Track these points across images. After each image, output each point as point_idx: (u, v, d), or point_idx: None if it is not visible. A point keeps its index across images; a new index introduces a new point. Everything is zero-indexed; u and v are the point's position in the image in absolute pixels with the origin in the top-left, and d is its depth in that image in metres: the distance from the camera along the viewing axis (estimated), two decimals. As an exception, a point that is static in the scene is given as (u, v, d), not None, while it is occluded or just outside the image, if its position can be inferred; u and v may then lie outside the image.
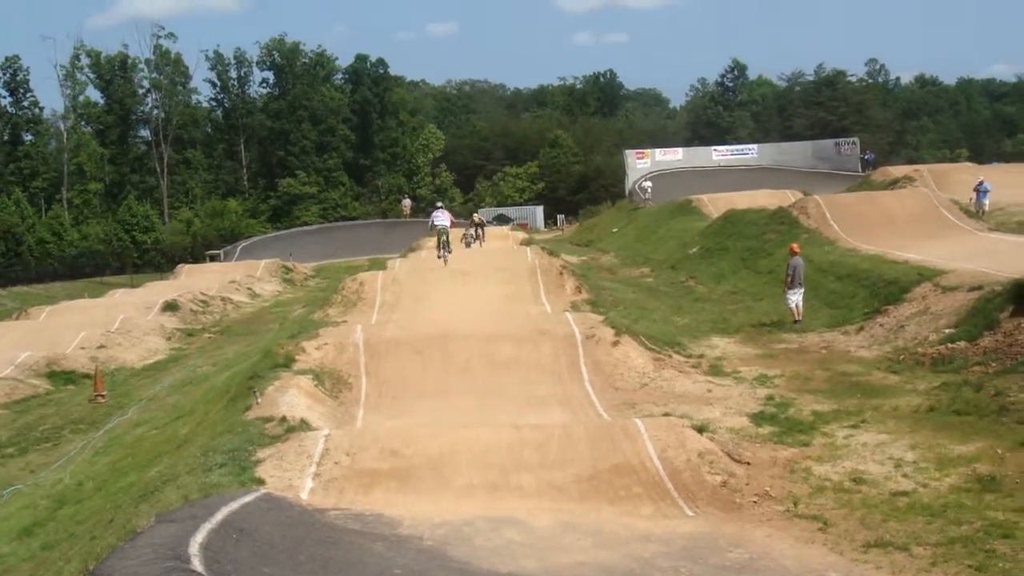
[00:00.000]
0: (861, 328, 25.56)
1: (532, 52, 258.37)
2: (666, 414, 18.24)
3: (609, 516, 13.80)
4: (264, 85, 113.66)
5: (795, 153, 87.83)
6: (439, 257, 37.87)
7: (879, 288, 27.90)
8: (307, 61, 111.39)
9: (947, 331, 22.67)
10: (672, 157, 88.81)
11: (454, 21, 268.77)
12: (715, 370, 22.66)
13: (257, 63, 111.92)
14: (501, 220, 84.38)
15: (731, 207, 48.11)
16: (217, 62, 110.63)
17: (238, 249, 79.81)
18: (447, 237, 38.05)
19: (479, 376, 22.39)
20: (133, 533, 11.93)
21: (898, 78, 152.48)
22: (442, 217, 38.82)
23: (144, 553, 10.62)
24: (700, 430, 16.29)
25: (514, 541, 12.83)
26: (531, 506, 14.13)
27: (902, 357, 22.25)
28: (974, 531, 12.35)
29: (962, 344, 21.39)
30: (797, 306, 27.51)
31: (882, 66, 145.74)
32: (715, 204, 54.63)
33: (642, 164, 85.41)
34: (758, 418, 18.18)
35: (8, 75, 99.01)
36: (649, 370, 22.14)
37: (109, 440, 25.62)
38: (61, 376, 35.32)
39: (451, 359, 23.31)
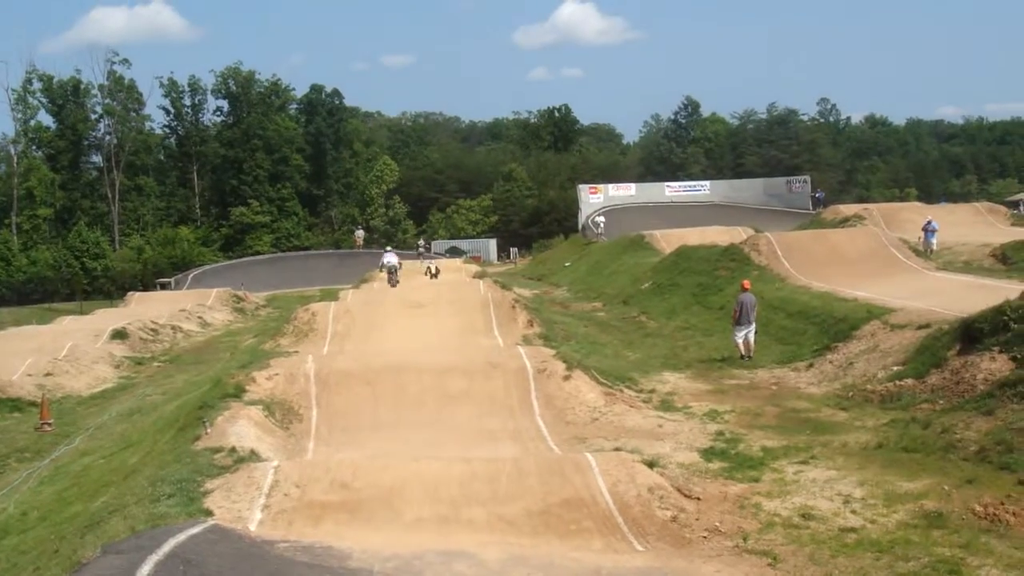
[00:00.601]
0: (811, 365, 25.74)
1: (487, 85, 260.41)
2: (617, 449, 18.26)
3: (559, 550, 13.77)
4: (218, 113, 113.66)
5: (747, 190, 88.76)
6: (390, 283, 45.71)
7: (829, 325, 28.14)
8: (262, 90, 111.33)
9: (895, 368, 22.86)
10: (625, 192, 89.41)
11: (410, 53, 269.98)
12: (666, 405, 22.71)
13: (212, 91, 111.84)
14: (454, 252, 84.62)
15: (683, 243, 48.48)
16: (171, 89, 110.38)
17: (189, 277, 79.44)
18: (396, 273, 46.22)
19: (431, 409, 22.33)
20: (78, 564, 11.81)
21: (849, 118, 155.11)
22: (391, 258, 47.48)
23: (89, 584, 10.51)
24: (651, 465, 16.31)
25: (464, 574, 12.78)
26: (482, 539, 14.08)
27: (851, 394, 22.42)
28: (922, 567, 12.43)
29: (910, 381, 21.59)
30: (746, 342, 27.67)
31: (833, 106, 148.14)
32: (667, 240, 55.04)
33: (595, 199, 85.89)
34: (708, 453, 18.24)
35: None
36: (600, 404, 22.16)
37: (55, 469, 25.26)
38: (6, 403, 34.78)
39: (403, 391, 23.24)
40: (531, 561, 13.29)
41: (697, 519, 14.67)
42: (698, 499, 15.41)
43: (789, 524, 14.41)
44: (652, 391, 24.09)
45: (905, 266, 38.07)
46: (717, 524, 14.52)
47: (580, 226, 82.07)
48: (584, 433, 20.51)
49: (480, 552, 13.54)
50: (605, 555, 13.63)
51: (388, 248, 56.37)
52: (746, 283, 29.65)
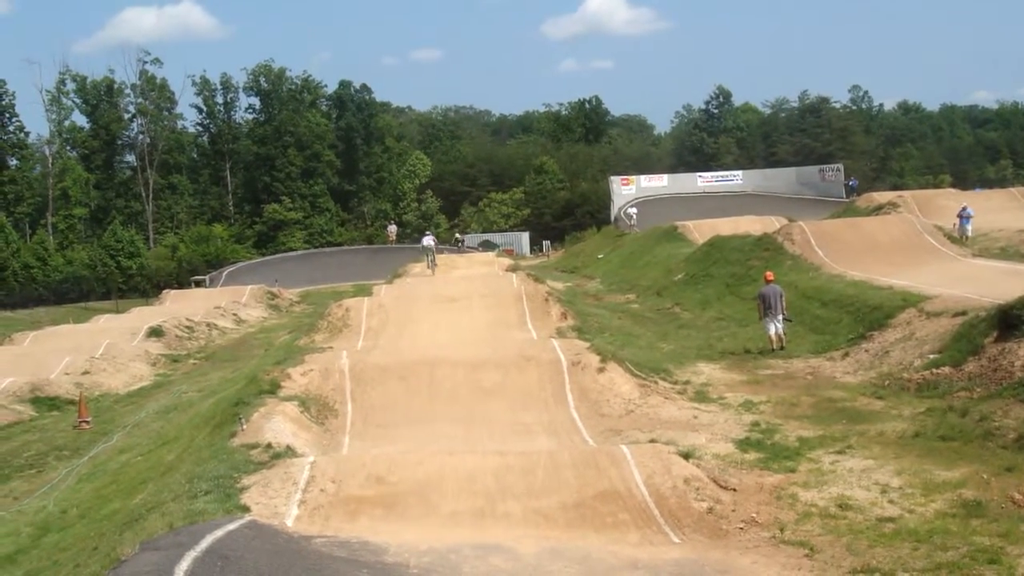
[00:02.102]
0: (846, 354, 25.58)
1: (517, 78, 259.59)
2: (652, 440, 18.22)
3: (595, 543, 13.76)
4: (250, 111, 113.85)
5: (779, 179, 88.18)
6: (428, 267, 49.85)
7: (864, 314, 27.94)
8: (293, 87, 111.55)
9: (932, 356, 22.69)
10: (657, 183, 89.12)
11: (439, 48, 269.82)
12: (701, 396, 22.65)
13: (243, 89, 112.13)
14: (487, 246, 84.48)
15: (716, 233, 48.29)
16: (203, 88, 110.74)
17: (223, 275, 79.67)
18: (433, 255, 50.42)
19: (465, 403, 22.36)
20: (117, 561, 11.87)
21: (881, 105, 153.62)
22: (428, 240, 52.26)
23: (129, 581, 10.58)
24: (686, 456, 16.28)
25: (500, 568, 12.79)
26: (517, 533, 14.09)
27: (887, 383, 22.27)
28: (960, 556, 12.34)
29: (947, 369, 21.42)
30: (776, 334, 27.51)
31: (865, 93, 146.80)
32: (700, 230, 54.83)
33: (627, 190, 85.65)
34: (744, 444, 18.16)
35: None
36: (635, 396, 22.13)
37: (93, 467, 25.48)
38: (45, 402, 35.11)
39: (437, 385, 23.28)
40: (567, 554, 13.28)
41: (733, 510, 14.62)
42: (734, 490, 15.36)
43: (826, 514, 14.34)
44: (687, 382, 24.02)
45: (940, 253, 37.75)
46: (753, 515, 14.47)
47: (612, 218, 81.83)
48: (619, 425, 20.48)
49: (516, 545, 13.55)
50: (641, 547, 13.61)
51: (427, 232, 62.59)
52: (768, 275, 29.49)
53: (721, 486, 15.40)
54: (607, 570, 12.75)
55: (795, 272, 34.60)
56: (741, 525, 14.20)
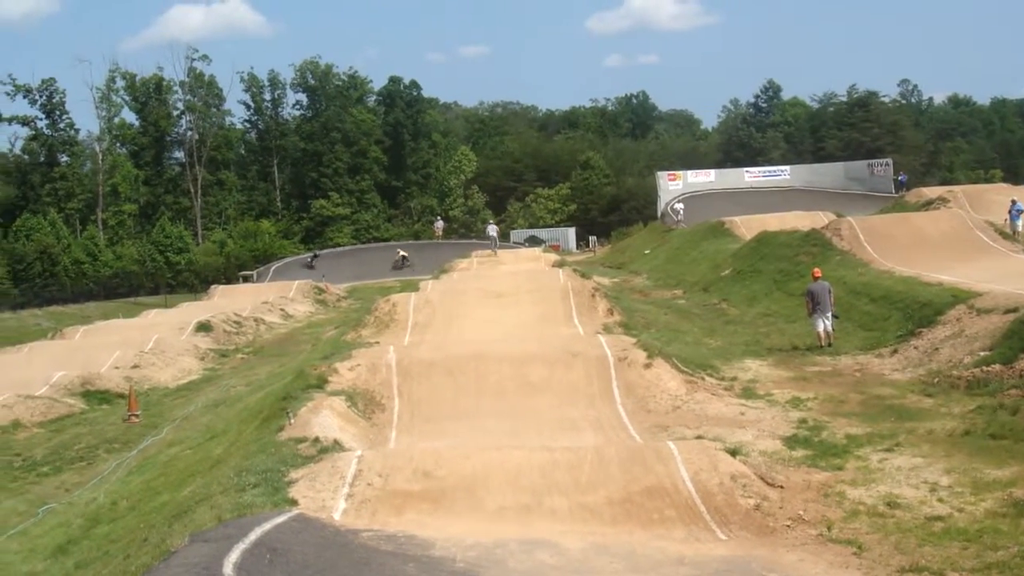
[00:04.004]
0: (895, 351, 25.39)
1: (563, 74, 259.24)
2: (699, 437, 18.19)
3: (641, 539, 13.75)
4: (297, 107, 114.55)
5: (828, 174, 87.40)
6: (491, 251, 60.36)
7: (913, 310, 27.70)
8: (340, 83, 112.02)
9: (982, 354, 22.47)
10: (704, 179, 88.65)
11: (485, 43, 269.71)
12: (748, 393, 22.56)
13: (290, 85, 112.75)
14: (533, 242, 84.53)
15: (763, 229, 47.98)
16: (251, 84, 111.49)
17: (271, 270, 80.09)
18: (496, 243, 60.95)
19: (512, 398, 22.39)
20: (167, 553, 12.02)
21: (931, 99, 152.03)
22: (492, 230, 66.20)
23: (178, 573, 10.70)
24: (733, 453, 16.22)
25: (546, 563, 12.81)
26: (563, 528, 14.11)
27: (936, 380, 22.07)
28: (1011, 556, 12.21)
29: (997, 367, 21.19)
30: (825, 330, 27.33)
31: (915, 87, 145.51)
32: (747, 226, 54.51)
33: (674, 186, 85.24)
34: (791, 441, 18.08)
35: (44, 97, 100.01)
36: (682, 392, 22.08)
37: (143, 460, 25.74)
38: (96, 395, 35.49)
39: (484, 381, 23.32)
40: (613, 550, 13.29)
41: (780, 508, 14.56)
42: (781, 487, 15.29)
43: (874, 512, 14.25)
44: (734, 379, 23.94)
45: (991, 249, 37.36)
46: (801, 513, 14.40)
47: (659, 213, 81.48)
48: (665, 421, 20.44)
49: (562, 541, 13.56)
50: (687, 544, 13.59)
51: (491, 221, 74.12)
52: (816, 272, 29.28)
53: (768, 483, 15.34)
54: (653, 566, 12.74)
55: (843, 268, 34.37)
56: (788, 522, 14.14)
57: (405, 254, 79.87)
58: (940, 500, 14.50)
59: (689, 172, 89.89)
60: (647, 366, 23.09)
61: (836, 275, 32.24)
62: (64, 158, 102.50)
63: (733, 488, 14.89)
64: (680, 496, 14.78)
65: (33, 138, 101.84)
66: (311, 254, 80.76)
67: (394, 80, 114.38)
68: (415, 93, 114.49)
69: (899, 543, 13.02)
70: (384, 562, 12.60)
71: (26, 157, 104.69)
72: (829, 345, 27.01)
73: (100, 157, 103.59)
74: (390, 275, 73.97)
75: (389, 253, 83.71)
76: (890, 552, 12.79)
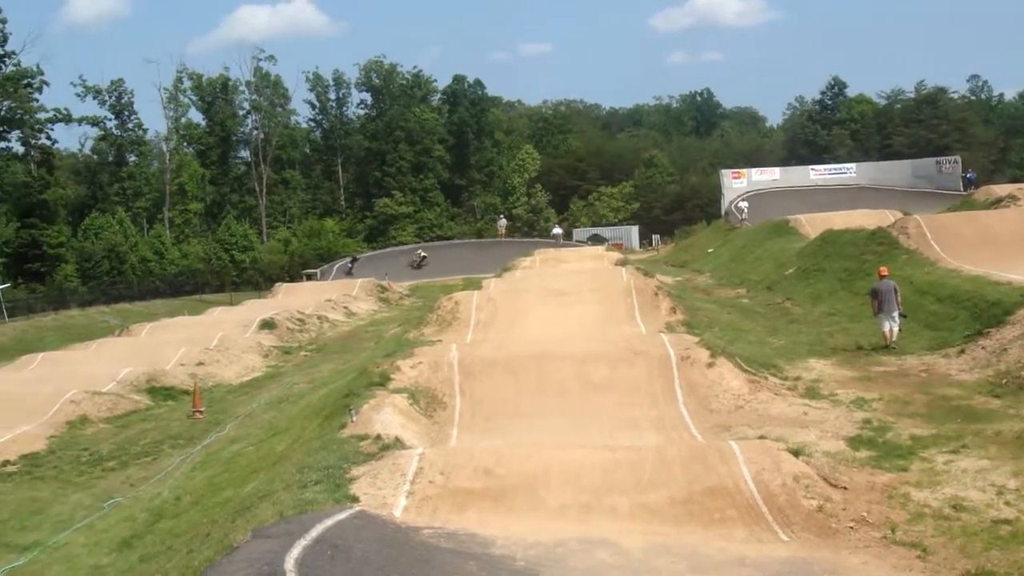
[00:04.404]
0: (962, 351, 25.00)
1: (626, 71, 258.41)
2: (761, 437, 18.06)
3: (703, 539, 13.69)
4: (362, 106, 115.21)
5: (894, 172, 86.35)
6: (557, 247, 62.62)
7: (981, 310, 27.25)
8: (404, 83, 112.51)
9: (1052, 355, 22.12)
10: (769, 177, 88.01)
11: (549, 42, 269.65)
12: (811, 393, 22.35)
13: (355, 85, 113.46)
14: (596, 240, 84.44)
15: (828, 227, 47.45)
16: (316, 84, 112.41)
17: (334, 268, 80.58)
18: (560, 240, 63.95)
19: (573, 397, 22.37)
20: (230, 548, 12.13)
21: (1001, 94, 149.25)
22: (557, 230, 72.65)
23: (240, 568, 10.80)
24: (796, 453, 16.08)
25: (607, 563, 12.79)
26: (624, 528, 14.08)
27: (1005, 381, 21.72)
28: (1079, 561, 12.03)
29: (1068, 368, 20.87)
30: (890, 330, 27.00)
31: (985, 82, 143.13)
32: (812, 224, 53.96)
33: (738, 184, 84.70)
34: (855, 442, 17.89)
35: (113, 98, 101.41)
36: (744, 392, 21.93)
37: (206, 456, 26.01)
38: (161, 392, 35.93)
39: (545, 379, 23.31)
40: (674, 550, 13.23)
41: (844, 509, 14.42)
42: (845, 488, 15.14)
43: (939, 515, 14.06)
44: (797, 378, 23.72)
45: (1063, 248, 36.69)
46: (864, 514, 14.25)
47: (723, 212, 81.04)
48: (728, 421, 20.32)
49: (622, 540, 13.53)
50: (749, 544, 13.50)
51: (557, 225, 77.42)
52: (883, 270, 28.87)
53: (831, 484, 15.19)
54: (714, 566, 12.67)
55: (910, 267, 33.93)
56: (851, 524, 14.00)
57: (424, 254, 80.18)
58: (1007, 503, 14.28)
59: (753, 170, 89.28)
60: (710, 365, 22.97)
61: (902, 274, 31.84)
62: (132, 158, 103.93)
63: (796, 489, 14.77)
64: (742, 496, 14.70)
65: (102, 138, 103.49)
66: (350, 258, 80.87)
67: (458, 79, 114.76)
68: (479, 92, 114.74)
69: (965, 547, 12.85)
70: (445, 560, 12.64)
71: (95, 157, 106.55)
72: (895, 345, 26.68)
73: (167, 156, 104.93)
74: (408, 276, 74.50)
75: (452, 251, 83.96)
76: (955, 556, 12.62)
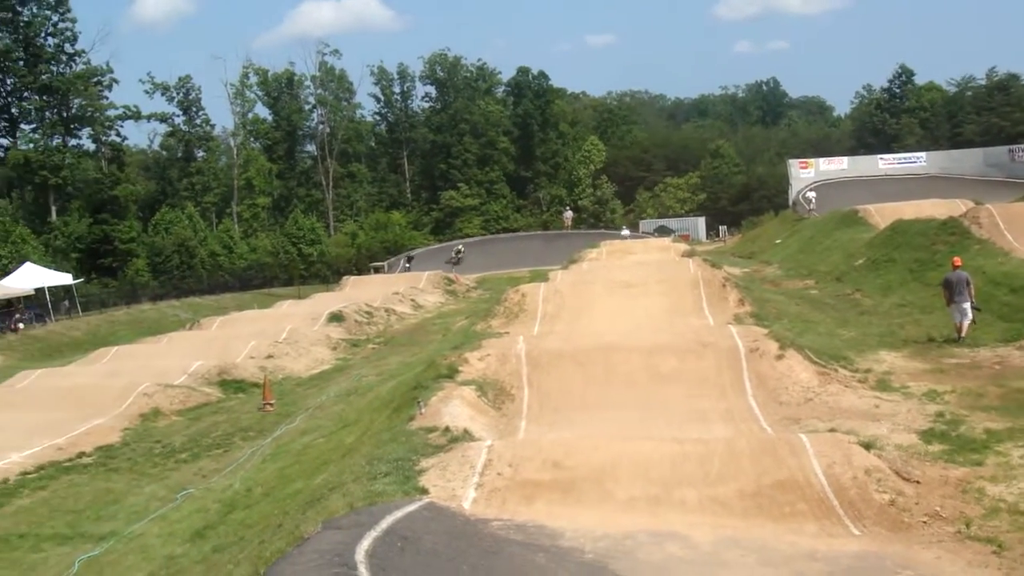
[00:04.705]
0: (1037, 343, 24.65)
1: (692, 61, 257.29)
2: (832, 430, 17.90)
3: (773, 532, 13.61)
4: (427, 99, 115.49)
5: (965, 161, 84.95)
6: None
7: (1056, 301, 26.88)
8: (468, 75, 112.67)
9: None
10: (837, 166, 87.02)
11: (613, 32, 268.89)
12: (882, 385, 22.10)
13: (420, 78, 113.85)
14: (662, 231, 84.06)
15: (898, 217, 46.87)
16: (381, 77, 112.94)
17: (401, 261, 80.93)
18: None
19: (641, 389, 22.31)
20: (301, 539, 12.24)
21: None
22: (626, 231, 71.68)
23: (312, 559, 10.89)
24: (867, 447, 15.92)
25: (675, 555, 12.76)
26: (693, 520, 14.04)
27: (1081, 373, 21.40)
28: None
29: None
30: (963, 321, 26.59)
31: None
32: (881, 214, 53.35)
33: (806, 174, 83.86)
34: (927, 435, 17.67)
35: (181, 94, 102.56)
36: (814, 384, 21.75)
37: (277, 448, 26.27)
38: (231, 385, 36.33)
39: (613, 371, 23.27)
40: (743, 543, 13.18)
41: (916, 503, 14.26)
42: (917, 483, 14.97)
43: (1016, 510, 13.86)
44: (868, 371, 23.46)
45: None
46: (937, 509, 14.08)
47: (790, 202, 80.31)
48: (797, 414, 20.16)
49: (691, 533, 13.50)
50: (820, 539, 13.41)
51: (625, 227, 78.12)
52: (956, 260, 28.46)
53: (903, 478, 15.03)
54: (784, 560, 12.60)
55: (983, 257, 33.45)
56: (924, 519, 13.85)
57: (463, 249, 79.90)
58: (1086, 498, 14.06)
59: (821, 160, 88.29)
60: (779, 357, 22.81)
61: (975, 264, 31.38)
62: (200, 153, 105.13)
63: (867, 482, 14.63)
64: (812, 490, 14.59)
65: (171, 134, 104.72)
66: (406, 256, 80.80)
67: (522, 71, 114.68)
68: (543, 83, 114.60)
69: (1042, 542, 12.67)
70: (513, 552, 12.68)
71: (164, 153, 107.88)
72: (967, 336, 26.30)
73: (235, 152, 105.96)
74: (516, 266, 74.19)
75: (518, 243, 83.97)
76: (1032, 551, 12.45)
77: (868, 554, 12.81)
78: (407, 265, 76.53)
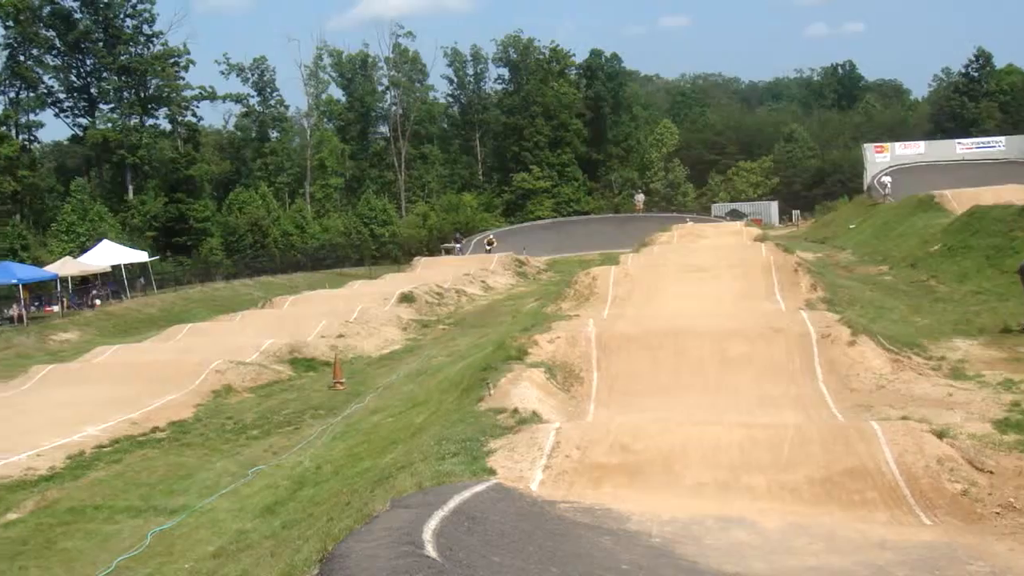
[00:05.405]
0: (1117, 332, 24.19)
1: (766, 44, 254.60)
2: (904, 417, 17.68)
3: (842, 520, 13.49)
4: (499, 81, 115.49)
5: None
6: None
7: None
8: (541, 57, 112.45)
9: None
10: (913, 151, 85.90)
11: (686, 14, 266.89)
12: (956, 373, 21.79)
13: (492, 60, 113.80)
14: (734, 215, 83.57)
15: (976, 203, 46.15)
16: (454, 59, 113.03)
17: (472, 242, 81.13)
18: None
19: (710, 373, 22.22)
20: (369, 517, 12.33)
21: None
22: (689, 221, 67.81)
23: (380, 537, 10.97)
24: (940, 435, 15.71)
25: (743, 542, 12.70)
26: (761, 507, 13.96)
27: None
28: None
29: None
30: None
31: None
32: (959, 199, 52.55)
33: (881, 158, 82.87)
34: (1003, 425, 17.38)
35: (256, 75, 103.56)
36: (887, 371, 21.51)
37: (346, 426, 26.48)
38: (302, 363, 36.66)
39: (682, 355, 23.19)
40: (812, 530, 13.08)
41: (990, 494, 14.05)
42: (991, 473, 14.74)
43: (1093, 502, 13.64)
44: (942, 358, 23.15)
45: None
46: (1012, 500, 13.86)
47: (865, 187, 79.46)
48: (869, 401, 19.96)
49: (760, 519, 13.42)
50: (890, 527, 13.27)
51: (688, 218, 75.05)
52: None
53: (977, 468, 14.81)
54: (853, 549, 12.48)
55: (1063, 244, 32.89)
56: (997, 510, 13.64)
57: (494, 240, 79.21)
58: None
59: (897, 144, 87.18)
60: (851, 343, 22.59)
61: (1054, 251, 30.89)
62: (274, 134, 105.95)
63: (940, 472, 14.45)
64: (883, 478, 14.44)
65: (245, 115, 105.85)
66: (486, 239, 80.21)
67: (595, 53, 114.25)
68: (616, 66, 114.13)
69: (1120, 535, 12.45)
70: (580, 534, 12.69)
71: (239, 133, 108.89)
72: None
73: (308, 132, 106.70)
74: (544, 250, 74.05)
75: (589, 226, 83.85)
76: (1109, 544, 12.24)
77: (939, 544, 12.66)
78: (488, 248, 76.40)
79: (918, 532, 13.12)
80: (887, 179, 71.87)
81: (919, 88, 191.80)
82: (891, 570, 11.75)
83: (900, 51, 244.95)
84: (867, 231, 57.36)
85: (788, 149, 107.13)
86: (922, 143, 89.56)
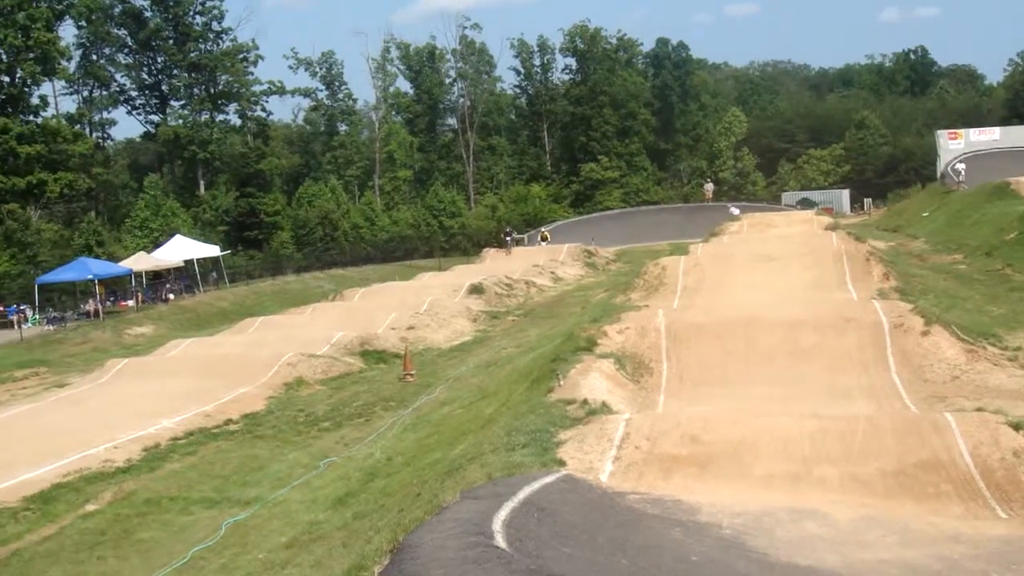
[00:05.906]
0: None
1: (837, 30, 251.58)
2: (979, 409, 17.45)
3: (915, 513, 13.35)
4: (566, 71, 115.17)
5: None
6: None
7: None
8: (608, 47, 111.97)
9: None
10: (988, 137, 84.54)
11: (754, 2, 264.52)
12: (1033, 364, 21.49)
13: (560, 50, 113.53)
14: (805, 204, 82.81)
15: (1053, 190, 45.47)
16: (521, 50, 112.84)
17: (527, 237, 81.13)
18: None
19: (781, 364, 22.09)
20: (439, 508, 12.42)
21: None
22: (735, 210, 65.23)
23: (450, 527, 11.05)
24: (1016, 427, 15.46)
25: (815, 534, 12.61)
26: (833, 499, 13.85)
27: None
28: None
29: None
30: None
31: None
32: (1035, 187, 51.77)
33: (955, 145, 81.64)
34: (1080, 416, 17.11)
35: (324, 69, 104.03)
36: (961, 362, 21.24)
37: (417, 418, 26.65)
38: (373, 355, 36.90)
39: (753, 346, 23.08)
40: (884, 523, 12.96)
41: (1067, 486, 13.85)
42: (1069, 465, 14.54)
43: None
44: (1018, 348, 22.78)
45: None
46: (1089, 492, 13.66)
47: (938, 174, 78.35)
48: (943, 392, 19.73)
49: (831, 511, 13.32)
50: (964, 521, 13.10)
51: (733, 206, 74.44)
52: None
53: (1054, 460, 14.60)
54: (927, 542, 12.35)
55: None
56: (1075, 502, 13.45)
57: (548, 236, 78.54)
58: None
59: (972, 130, 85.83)
60: (924, 333, 22.34)
61: None
62: (343, 127, 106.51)
63: (1016, 464, 14.24)
64: (958, 470, 14.26)
65: (314, 109, 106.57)
66: (507, 231, 79.68)
67: (662, 42, 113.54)
68: (683, 54, 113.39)
69: None
70: (650, 525, 12.68)
71: (308, 127, 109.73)
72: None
73: (376, 125, 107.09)
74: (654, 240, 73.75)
75: (658, 216, 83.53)
76: None
77: (1015, 538, 12.48)
78: (541, 243, 76.26)
79: (993, 526, 12.95)
80: (961, 166, 70.84)
81: (994, 73, 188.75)
82: (965, 564, 11.62)
83: (974, 35, 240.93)
84: (940, 219, 56.60)
85: (859, 136, 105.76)
86: (997, 129, 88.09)
